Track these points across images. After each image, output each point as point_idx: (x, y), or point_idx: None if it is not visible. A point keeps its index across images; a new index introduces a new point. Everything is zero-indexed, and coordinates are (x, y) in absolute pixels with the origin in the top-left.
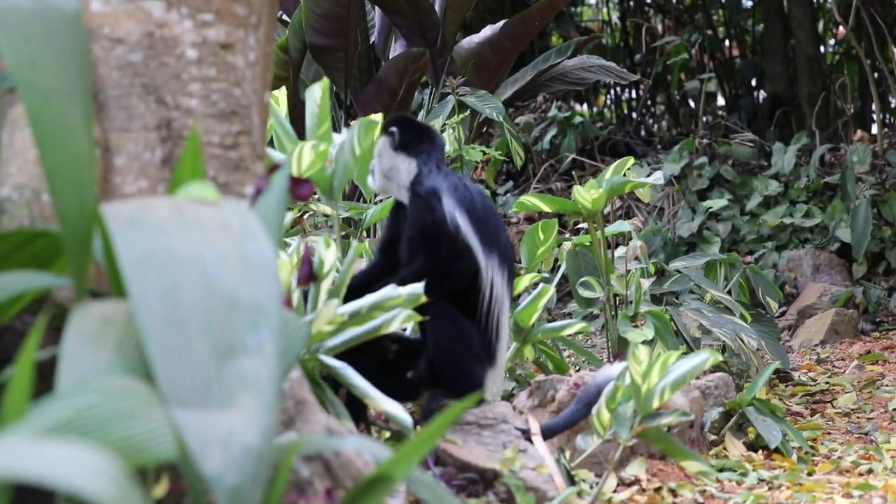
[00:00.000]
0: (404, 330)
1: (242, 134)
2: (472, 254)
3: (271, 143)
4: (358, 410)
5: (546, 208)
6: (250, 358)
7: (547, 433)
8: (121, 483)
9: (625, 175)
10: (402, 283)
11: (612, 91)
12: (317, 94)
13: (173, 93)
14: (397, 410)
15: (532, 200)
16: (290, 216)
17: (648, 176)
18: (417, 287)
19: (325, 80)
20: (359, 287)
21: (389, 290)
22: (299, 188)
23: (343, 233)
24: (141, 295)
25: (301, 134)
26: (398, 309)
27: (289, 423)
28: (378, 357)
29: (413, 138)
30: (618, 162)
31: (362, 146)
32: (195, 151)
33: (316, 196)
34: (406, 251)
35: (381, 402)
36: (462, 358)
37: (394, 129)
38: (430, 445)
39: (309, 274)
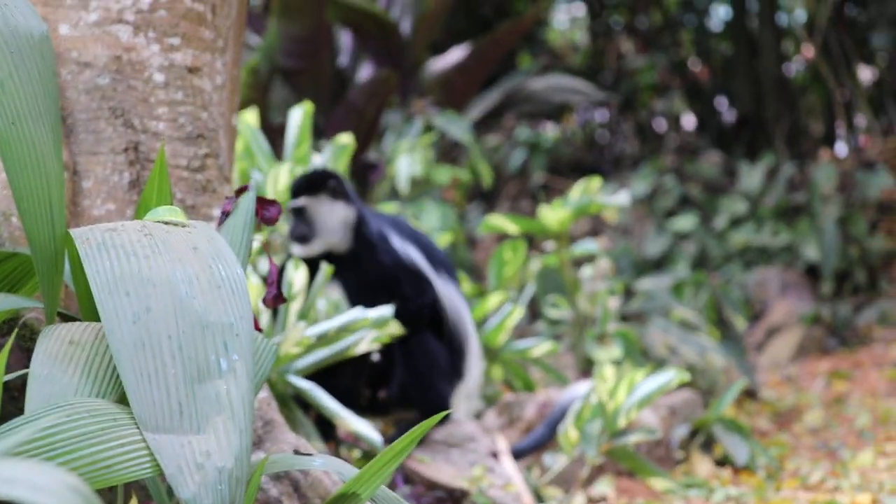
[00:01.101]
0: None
1: (210, 157)
2: (430, 283)
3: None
4: (328, 429)
5: (512, 229)
6: (222, 380)
7: (516, 455)
8: (91, 501)
9: (591, 195)
10: None
11: (581, 111)
12: (297, 117)
13: (141, 116)
14: (367, 430)
15: (498, 221)
16: (259, 239)
17: (615, 195)
18: (385, 310)
19: (308, 103)
20: None
21: (357, 313)
22: (267, 210)
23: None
24: (113, 318)
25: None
26: (365, 331)
27: (258, 444)
28: (348, 375)
29: (342, 186)
30: (584, 182)
31: (337, 167)
32: (162, 174)
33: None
34: (360, 296)
35: (350, 421)
36: (430, 376)
37: (331, 181)
38: (396, 464)
39: (277, 295)
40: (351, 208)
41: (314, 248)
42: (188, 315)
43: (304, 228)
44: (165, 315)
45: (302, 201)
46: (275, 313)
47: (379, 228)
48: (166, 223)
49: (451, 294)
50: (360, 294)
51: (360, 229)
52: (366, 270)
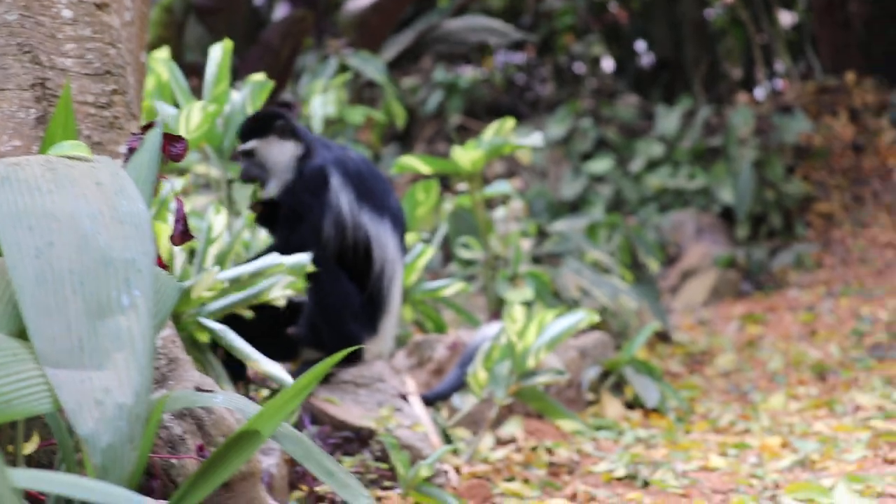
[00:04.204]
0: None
1: (117, 93)
2: (344, 229)
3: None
4: (238, 370)
5: (425, 169)
6: (124, 316)
7: (433, 399)
8: None
9: (505, 136)
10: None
11: (500, 54)
12: (217, 55)
13: (48, 52)
14: (278, 371)
15: (411, 162)
16: (181, 182)
17: (529, 136)
18: (303, 257)
19: (228, 42)
20: None
21: (272, 258)
22: (174, 147)
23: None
24: (15, 253)
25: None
26: (279, 276)
27: (161, 382)
28: (259, 315)
29: (290, 124)
30: (497, 123)
31: (255, 106)
32: (67, 110)
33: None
34: (276, 225)
35: (262, 363)
36: (340, 317)
37: (279, 121)
38: (299, 401)
39: (184, 231)
40: (300, 145)
41: (269, 189)
42: (91, 250)
43: (256, 171)
44: (68, 250)
45: (251, 144)
46: (191, 257)
47: (321, 164)
48: (70, 158)
49: (388, 243)
50: (277, 223)
51: (301, 162)
52: (285, 200)
